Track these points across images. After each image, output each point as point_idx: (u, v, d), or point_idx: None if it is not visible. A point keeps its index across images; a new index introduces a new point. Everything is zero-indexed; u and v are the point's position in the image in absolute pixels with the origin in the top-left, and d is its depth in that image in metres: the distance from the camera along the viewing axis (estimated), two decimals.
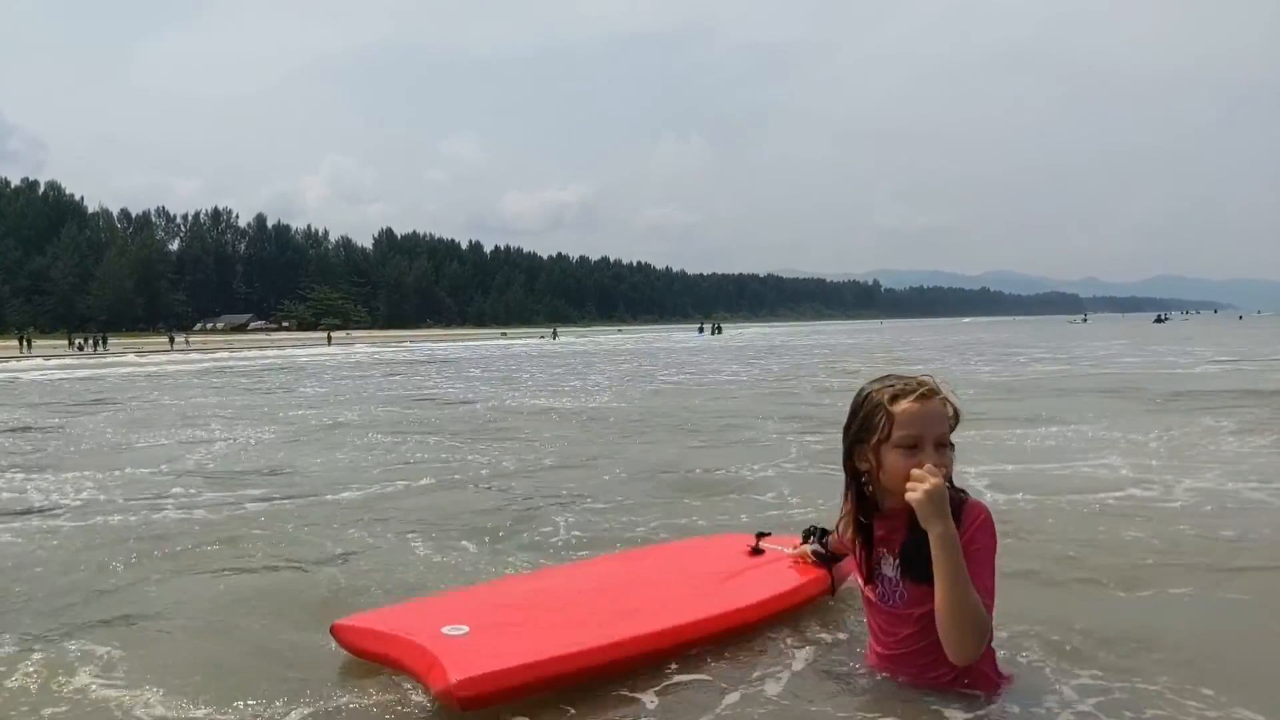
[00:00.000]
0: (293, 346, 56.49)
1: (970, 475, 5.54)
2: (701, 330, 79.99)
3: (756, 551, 3.39)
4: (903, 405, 2.23)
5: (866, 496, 2.36)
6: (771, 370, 20.24)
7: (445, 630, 2.57)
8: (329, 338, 73.01)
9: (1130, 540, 4.13)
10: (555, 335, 77.69)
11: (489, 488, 5.94)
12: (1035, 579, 3.53)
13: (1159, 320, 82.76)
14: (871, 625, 2.47)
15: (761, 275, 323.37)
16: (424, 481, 6.16)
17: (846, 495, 2.42)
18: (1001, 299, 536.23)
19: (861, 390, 2.36)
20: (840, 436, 2.39)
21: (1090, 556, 3.86)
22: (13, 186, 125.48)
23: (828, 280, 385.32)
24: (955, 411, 2.28)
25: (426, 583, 3.62)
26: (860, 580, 2.47)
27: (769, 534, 3.53)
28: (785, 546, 3.36)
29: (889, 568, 2.34)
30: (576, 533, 4.55)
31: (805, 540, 3.21)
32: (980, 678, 2.32)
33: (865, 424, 2.29)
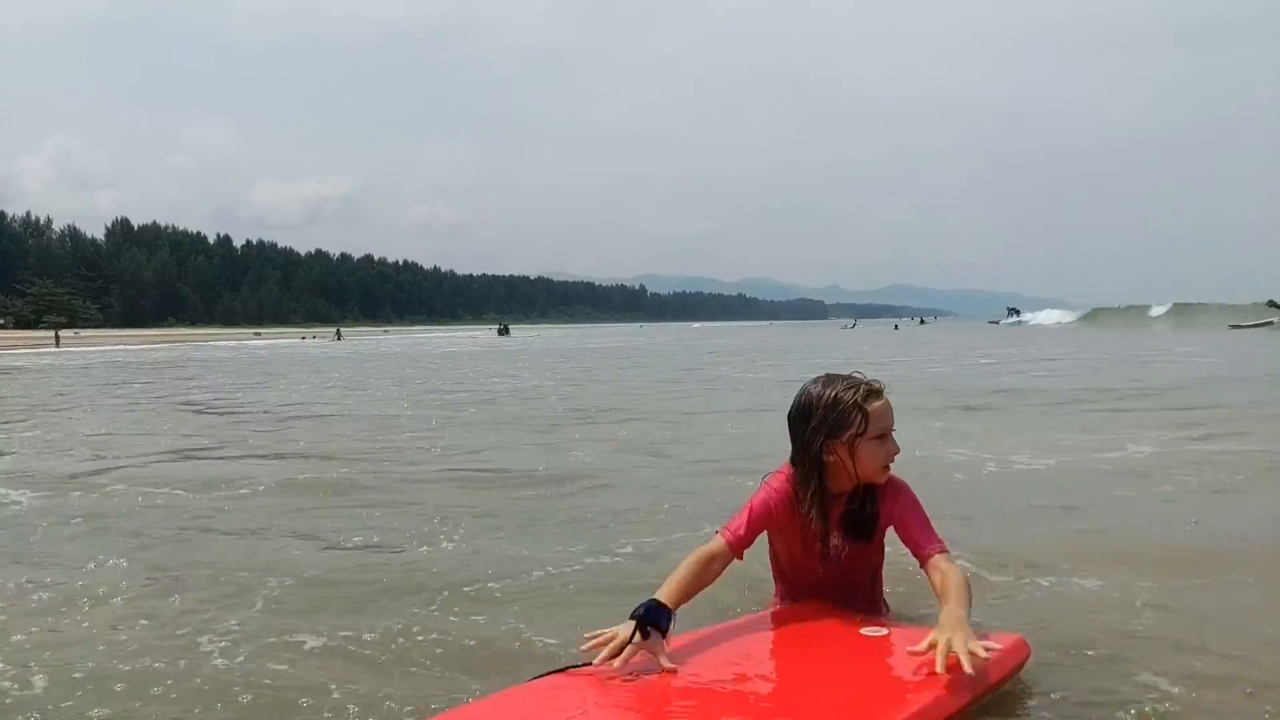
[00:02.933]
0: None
1: None
2: (501, 332, 77.29)
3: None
4: (875, 404, 2.62)
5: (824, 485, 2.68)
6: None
7: None
8: (57, 338, 66.02)
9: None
10: (339, 335, 73.61)
11: None
12: None
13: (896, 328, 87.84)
14: (793, 584, 2.88)
15: (532, 277, 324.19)
16: None
17: (808, 487, 2.67)
18: (757, 305, 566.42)
19: (814, 392, 2.67)
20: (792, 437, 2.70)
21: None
22: None
23: (597, 284, 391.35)
24: None
25: None
26: (795, 556, 2.82)
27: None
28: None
29: (834, 539, 2.73)
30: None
31: (643, 634, 2.33)
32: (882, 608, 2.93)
33: (840, 421, 2.60)
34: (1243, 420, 8.67)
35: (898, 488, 2.72)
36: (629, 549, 4.15)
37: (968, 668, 2.14)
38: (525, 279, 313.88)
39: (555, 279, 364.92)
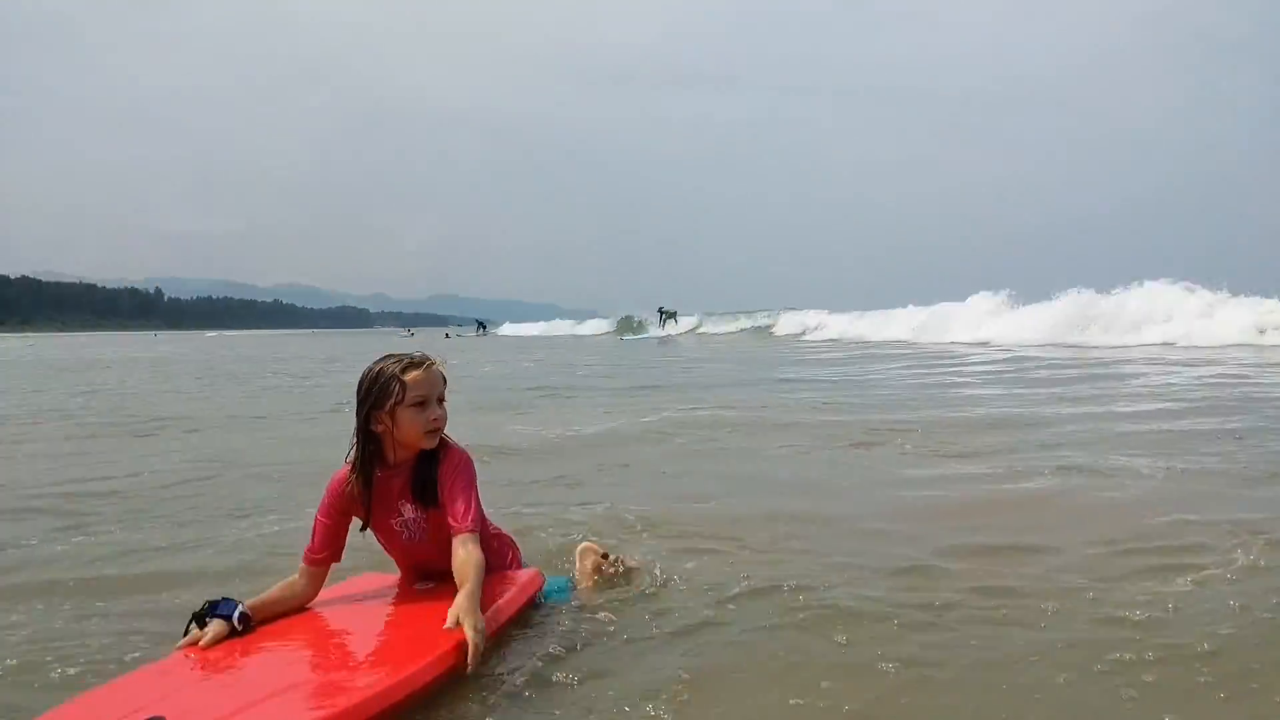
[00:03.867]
0: None
1: None
2: None
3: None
4: (413, 374, 2.84)
5: (376, 455, 2.90)
6: None
7: None
8: None
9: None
10: None
11: None
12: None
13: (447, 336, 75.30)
14: (401, 560, 3.08)
15: (13, 278, 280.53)
16: None
17: (360, 458, 2.89)
18: (295, 311, 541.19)
19: (370, 369, 2.88)
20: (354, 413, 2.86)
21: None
22: None
23: (99, 286, 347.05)
24: (444, 377, 2.96)
25: None
26: (381, 535, 3.00)
27: None
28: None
29: (408, 510, 2.93)
30: None
31: (200, 622, 2.58)
32: (500, 560, 3.16)
33: (381, 392, 2.82)
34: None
35: (455, 458, 2.93)
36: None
37: (470, 659, 2.44)
38: (4, 279, 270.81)
39: (45, 279, 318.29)
